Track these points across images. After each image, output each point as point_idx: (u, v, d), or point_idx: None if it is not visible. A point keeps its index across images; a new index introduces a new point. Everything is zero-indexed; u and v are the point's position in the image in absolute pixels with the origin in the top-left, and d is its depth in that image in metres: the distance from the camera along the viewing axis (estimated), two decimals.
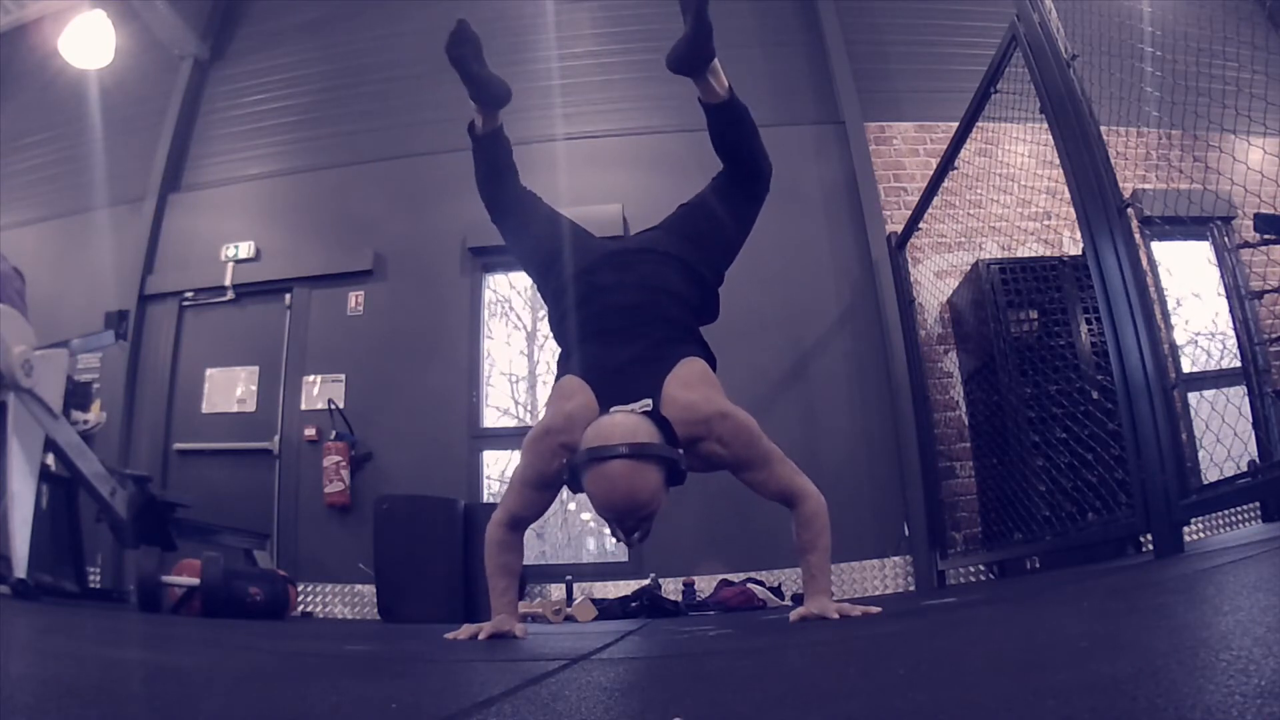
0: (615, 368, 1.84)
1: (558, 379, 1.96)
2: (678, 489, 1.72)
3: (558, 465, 1.75)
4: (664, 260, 2.06)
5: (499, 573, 1.88)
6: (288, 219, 5.34)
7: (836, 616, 1.69)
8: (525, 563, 2.05)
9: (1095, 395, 3.30)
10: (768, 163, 2.19)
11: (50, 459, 3.07)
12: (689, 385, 1.80)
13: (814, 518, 1.80)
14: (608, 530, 1.74)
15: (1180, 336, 3.97)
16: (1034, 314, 3.69)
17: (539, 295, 2.33)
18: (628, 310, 1.94)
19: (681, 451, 1.67)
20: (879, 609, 1.78)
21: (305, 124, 5.58)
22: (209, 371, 5.02)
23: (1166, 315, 3.69)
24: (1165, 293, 3.89)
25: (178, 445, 4.88)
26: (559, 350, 2.12)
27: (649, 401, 1.74)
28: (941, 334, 4.59)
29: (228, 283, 5.13)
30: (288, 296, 5.08)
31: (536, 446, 1.81)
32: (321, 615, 4.36)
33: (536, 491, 1.84)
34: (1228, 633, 0.68)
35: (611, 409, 1.72)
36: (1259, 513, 3.64)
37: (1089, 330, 3.49)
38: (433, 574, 3.72)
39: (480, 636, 1.74)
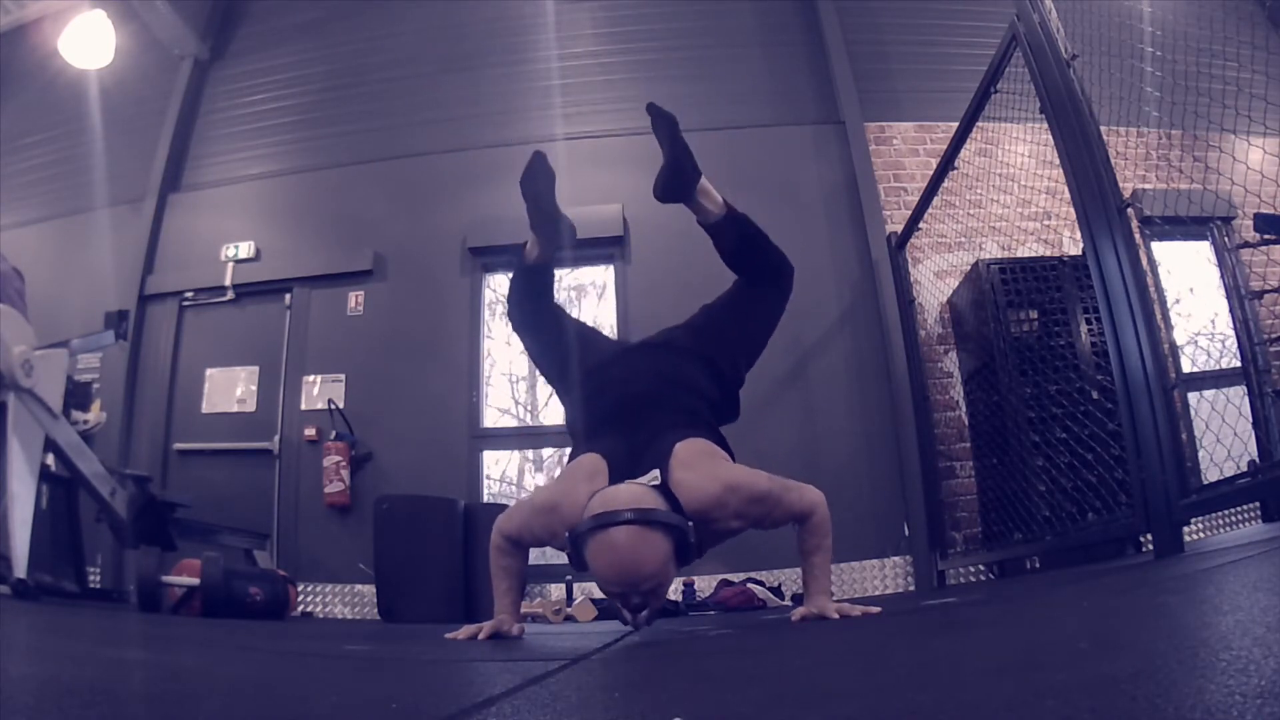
0: (626, 452, 1.77)
1: (572, 458, 1.90)
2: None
3: (559, 541, 1.71)
4: (682, 354, 2.03)
5: (501, 574, 1.87)
6: (288, 219, 5.34)
7: (836, 616, 1.69)
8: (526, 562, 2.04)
9: (1095, 395, 3.30)
10: (787, 265, 2.16)
11: (50, 459, 3.07)
12: (689, 465, 1.70)
13: (821, 524, 1.80)
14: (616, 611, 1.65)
15: (1180, 336, 3.97)
16: (1034, 314, 3.69)
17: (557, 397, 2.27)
18: (641, 398, 1.91)
19: (692, 524, 1.59)
20: (879, 609, 1.78)
21: (305, 124, 5.58)
22: (209, 371, 5.02)
23: (1166, 315, 3.69)
24: (1165, 293, 3.89)
25: (178, 445, 4.88)
26: (572, 445, 2.07)
27: (656, 473, 1.66)
28: (941, 334, 4.58)
29: (228, 283, 5.12)
30: (288, 296, 5.08)
31: (543, 518, 1.75)
32: (321, 615, 4.36)
33: (536, 537, 1.83)
34: (1228, 633, 0.68)
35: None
36: (1259, 513, 3.64)
37: (1089, 330, 3.49)
38: (433, 574, 3.72)
39: (480, 636, 1.75)
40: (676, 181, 2.03)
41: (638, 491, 1.57)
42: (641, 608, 1.56)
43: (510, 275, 2.22)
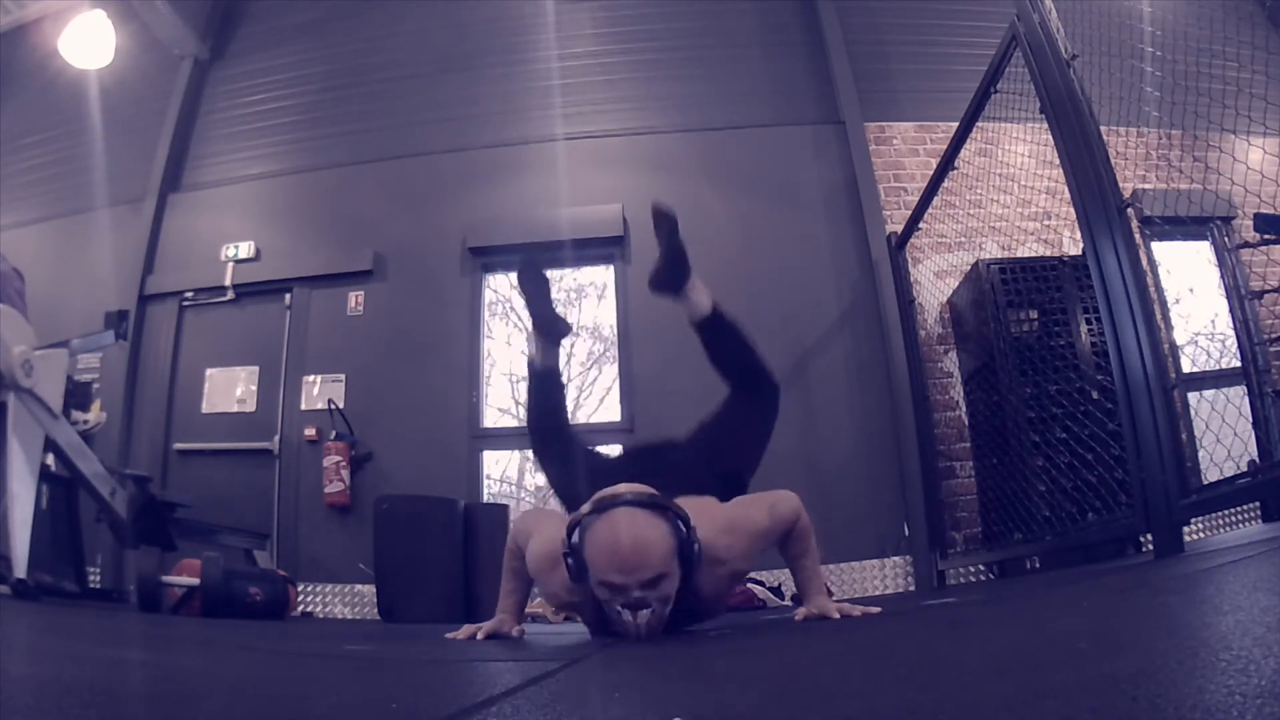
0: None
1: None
2: None
3: (558, 589, 1.71)
4: (685, 451, 2.10)
5: (509, 574, 1.87)
6: (288, 219, 5.34)
7: (838, 616, 1.69)
8: None
9: (1095, 395, 3.30)
10: (769, 378, 2.23)
11: (50, 459, 3.07)
12: (690, 511, 1.65)
13: (806, 529, 1.81)
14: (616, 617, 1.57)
15: (1180, 336, 3.96)
16: (1034, 314, 3.69)
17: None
18: (643, 477, 1.86)
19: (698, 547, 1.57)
20: (879, 609, 1.78)
21: (305, 124, 5.58)
22: (209, 371, 5.02)
23: (1166, 315, 3.69)
24: (1165, 293, 3.89)
25: (178, 445, 4.87)
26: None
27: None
28: (941, 334, 4.58)
29: (228, 283, 5.12)
30: (288, 296, 5.08)
31: (544, 573, 1.74)
32: (321, 615, 4.36)
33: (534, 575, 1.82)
34: (1228, 633, 0.68)
35: None
36: (1259, 513, 3.64)
37: (1089, 330, 3.49)
38: (433, 574, 3.72)
39: (478, 636, 1.75)
40: (669, 279, 2.19)
41: (639, 485, 1.58)
42: (643, 605, 1.48)
43: (526, 391, 2.36)
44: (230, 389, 4.98)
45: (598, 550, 1.48)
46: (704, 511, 1.70)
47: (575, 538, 1.52)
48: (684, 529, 1.52)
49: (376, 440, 4.64)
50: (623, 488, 1.55)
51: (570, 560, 1.53)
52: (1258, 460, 2.59)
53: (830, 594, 1.86)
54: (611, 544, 1.46)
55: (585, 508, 1.53)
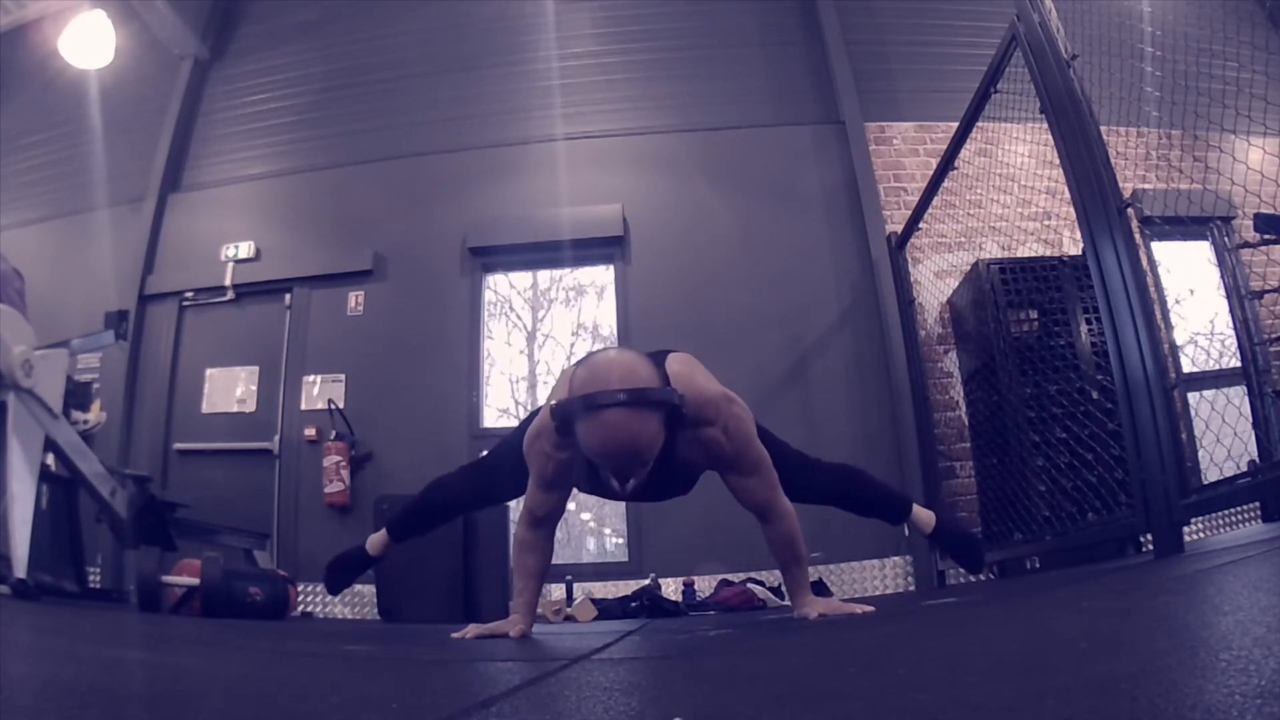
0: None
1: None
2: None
3: (554, 466, 1.73)
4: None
5: (518, 572, 1.86)
6: (288, 219, 5.34)
7: (846, 613, 1.75)
8: None
9: (1095, 395, 3.30)
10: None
11: (50, 459, 3.07)
12: (692, 367, 1.77)
13: (796, 534, 1.81)
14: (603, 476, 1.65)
15: (1180, 336, 3.96)
16: (1034, 314, 3.69)
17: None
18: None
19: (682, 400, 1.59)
20: (872, 608, 1.81)
21: (305, 124, 5.59)
22: (209, 371, 5.02)
23: (1166, 315, 3.68)
24: (1165, 293, 3.89)
25: (178, 445, 4.88)
26: None
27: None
28: (941, 334, 4.58)
29: (228, 283, 5.12)
30: (288, 296, 5.08)
31: (529, 452, 1.79)
32: (321, 615, 4.36)
33: (544, 492, 1.81)
34: (1228, 633, 0.68)
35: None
36: (1259, 513, 3.64)
37: (1089, 330, 3.49)
38: (433, 574, 3.72)
39: (471, 635, 1.74)
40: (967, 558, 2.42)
41: (627, 360, 1.57)
42: (630, 477, 1.57)
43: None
44: (230, 389, 4.98)
45: (590, 442, 1.52)
46: (704, 372, 1.78)
47: (569, 412, 1.53)
48: (674, 407, 1.55)
49: (376, 440, 4.64)
50: (616, 374, 1.52)
51: (558, 426, 1.58)
52: (1258, 460, 2.58)
53: (830, 594, 1.88)
54: (603, 441, 1.50)
55: (576, 399, 1.51)
